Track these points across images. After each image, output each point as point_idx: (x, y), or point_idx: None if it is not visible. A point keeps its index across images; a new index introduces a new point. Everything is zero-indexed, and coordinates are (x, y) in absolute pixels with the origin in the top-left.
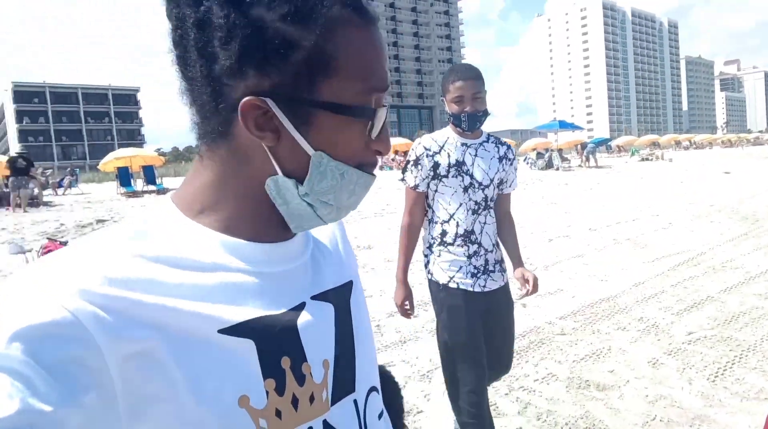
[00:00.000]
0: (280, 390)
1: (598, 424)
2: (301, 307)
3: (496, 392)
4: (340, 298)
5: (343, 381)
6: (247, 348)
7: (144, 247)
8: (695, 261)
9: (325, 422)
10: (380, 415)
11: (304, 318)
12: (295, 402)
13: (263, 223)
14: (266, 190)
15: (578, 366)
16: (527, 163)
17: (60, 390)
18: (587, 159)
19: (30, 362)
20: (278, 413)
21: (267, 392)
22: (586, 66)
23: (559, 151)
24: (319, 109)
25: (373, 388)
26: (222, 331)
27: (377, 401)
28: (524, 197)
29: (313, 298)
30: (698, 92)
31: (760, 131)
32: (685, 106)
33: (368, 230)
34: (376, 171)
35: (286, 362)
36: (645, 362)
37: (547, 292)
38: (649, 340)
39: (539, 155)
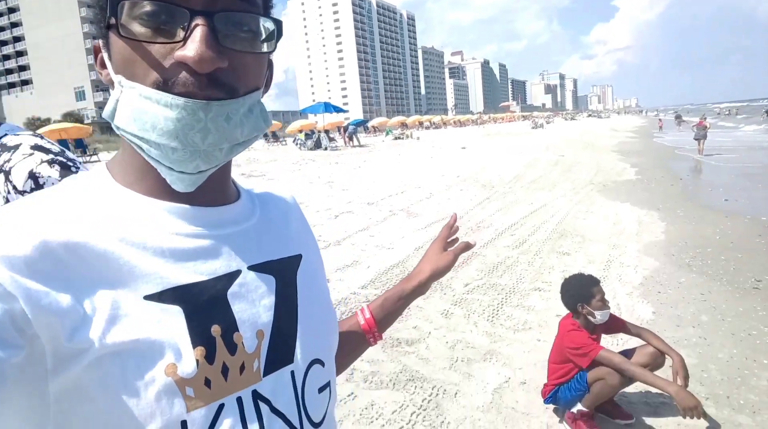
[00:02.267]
0: (209, 358)
1: (416, 375)
2: (235, 275)
3: None
4: (285, 269)
5: (280, 352)
6: (174, 315)
7: (72, 211)
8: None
9: (254, 392)
10: (322, 389)
11: (236, 287)
12: (225, 371)
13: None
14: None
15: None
16: (296, 144)
17: None
18: (350, 139)
19: None
20: (207, 382)
21: (197, 361)
22: (339, 51)
23: (326, 131)
24: (114, 29)
25: (315, 361)
26: (148, 298)
27: (319, 374)
28: (302, 178)
29: (251, 267)
30: (433, 79)
31: (480, 112)
32: (423, 91)
33: None
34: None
35: (216, 330)
36: (439, 315)
37: (345, 265)
38: (437, 295)
39: (307, 136)
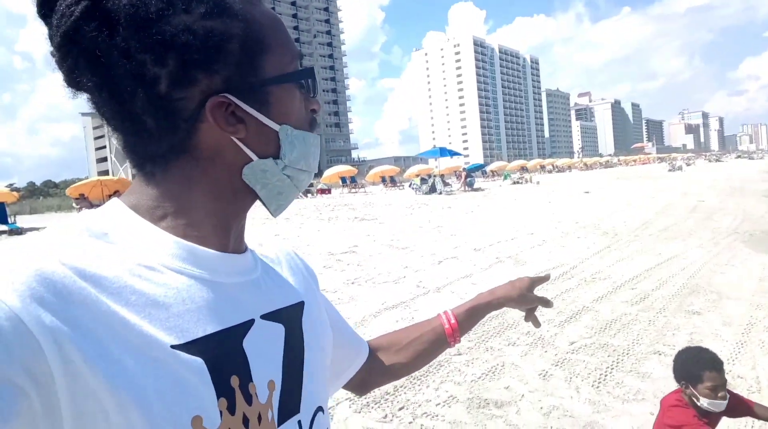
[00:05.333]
0: (231, 410)
1: None
2: (249, 324)
3: (400, 422)
4: (292, 317)
5: (288, 402)
6: (198, 365)
7: (105, 247)
8: (569, 274)
9: None
10: None
11: (251, 336)
12: (246, 422)
13: (223, 231)
14: (244, 179)
15: (476, 385)
16: (412, 189)
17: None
18: (466, 183)
19: None
20: None
21: (221, 412)
22: (461, 97)
23: (441, 176)
24: (269, 86)
25: (319, 409)
26: (175, 347)
27: (322, 421)
28: (412, 222)
29: (263, 316)
30: (557, 121)
31: (610, 155)
32: (547, 134)
33: None
34: None
35: (235, 381)
36: (536, 375)
37: None
38: (537, 353)
39: (423, 181)
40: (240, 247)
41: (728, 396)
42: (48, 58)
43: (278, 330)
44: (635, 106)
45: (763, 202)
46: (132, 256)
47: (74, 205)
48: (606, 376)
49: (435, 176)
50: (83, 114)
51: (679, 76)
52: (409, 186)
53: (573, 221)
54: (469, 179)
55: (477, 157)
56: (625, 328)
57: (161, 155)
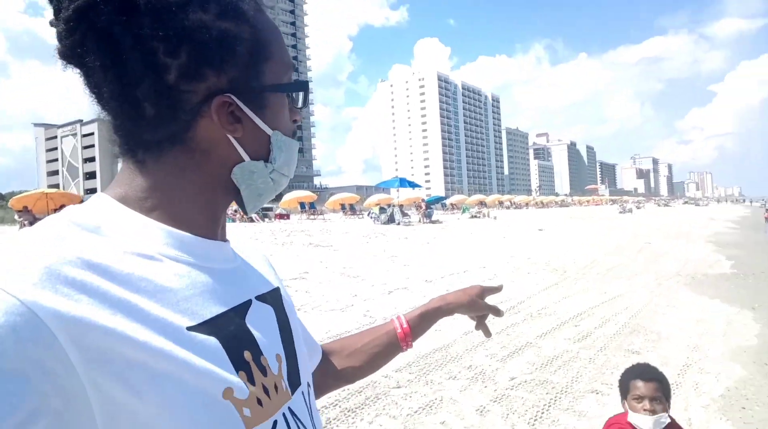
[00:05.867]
0: (251, 381)
1: None
2: (248, 304)
3: None
4: (275, 300)
5: (293, 374)
6: (213, 344)
7: (100, 239)
8: (516, 309)
9: (289, 409)
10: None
11: (251, 315)
12: (266, 391)
13: (212, 221)
14: (232, 178)
15: (411, 419)
16: (371, 218)
17: (14, 402)
18: (425, 215)
19: None
20: (259, 402)
21: (245, 384)
22: (424, 130)
23: (401, 206)
24: (267, 92)
25: (309, 383)
26: (190, 329)
27: (312, 393)
28: (367, 251)
29: (257, 297)
30: (516, 159)
31: (565, 194)
32: (506, 171)
33: None
34: None
35: (248, 355)
36: (473, 411)
37: None
38: (477, 387)
39: (382, 210)
40: (224, 237)
41: (662, 416)
42: None
43: (269, 310)
44: (590, 149)
45: (708, 246)
46: (129, 247)
47: (17, 217)
48: (543, 413)
49: (394, 206)
50: (36, 125)
51: (632, 122)
52: (368, 215)
53: (525, 257)
54: (428, 211)
55: (438, 189)
56: (565, 366)
57: (156, 143)
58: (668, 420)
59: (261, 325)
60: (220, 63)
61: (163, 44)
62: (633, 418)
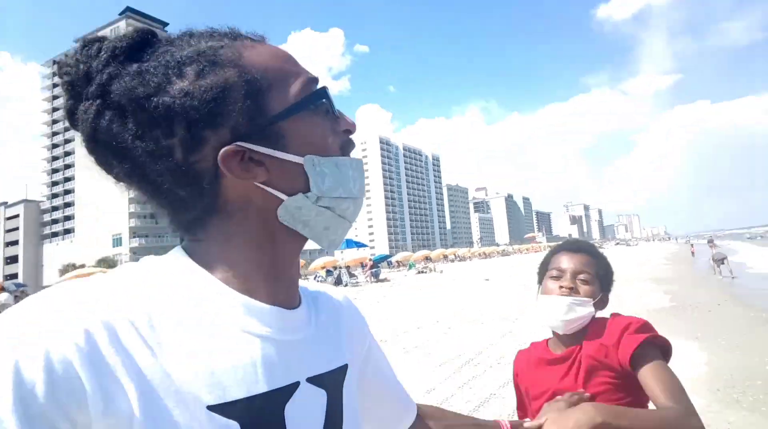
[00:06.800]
0: None
1: None
2: (294, 387)
3: None
4: (334, 382)
5: None
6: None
7: (157, 294)
8: (474, 361)
9: None
10: None
11: (294, 402)
12: None
13: (274, 282)
14: (282, 222)
15: None
16: (318, 281)
17: None
18: (372, 275)
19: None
20: None
21: None
22: (367, 191)
23: (347, 267)
24: (281, 121)
25: None
26: (211, 408)
27: None
28: None
29: (309, 380)
30: (458, 213)
31: (505, 244)
32: (448, 225)
33: None
34: None
35: None
36: None
37: None
38: None
39: (329, 273)
40: (293, 301)
41: (581, 300)
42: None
43: (321, 395)
44: (526, 200)
45: (645, 284)
46: (186, 305)
47: None
48: None
49: (341, 268)
50: None
51: (564, 173)
52: (314, 278)
53: (476, 308)
54: (374, 270)
55: (383, 248)
56: None
57: (198, 219)
58: (591, 310)
59: (302, 413)
60: (212, 119)
61: (158, 130)
62: (541, 304)
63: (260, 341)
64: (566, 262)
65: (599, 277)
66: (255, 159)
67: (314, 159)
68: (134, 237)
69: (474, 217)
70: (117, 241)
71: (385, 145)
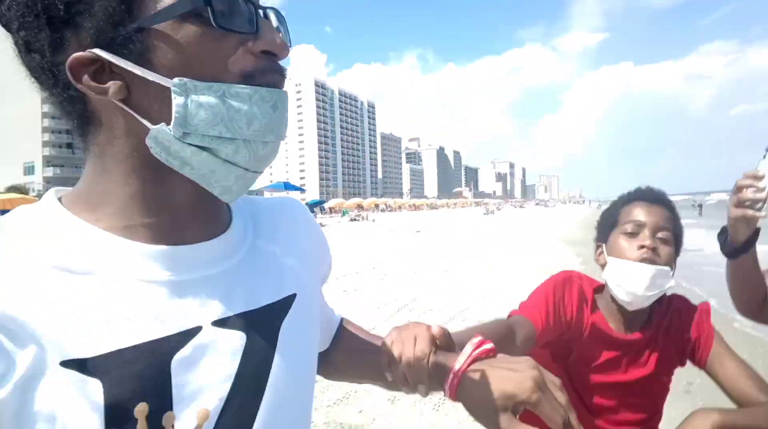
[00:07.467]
0: None
1: None
2: (191, 333)
3: None
4: (265, 321)
5: None
6: (91, 389)
7: (16, 246)
8: (409, 307)
9: None
10: None
11: (188, 350)
12: None
13: (173, 219)
14: (154, 155)
15: (332, 410)
16: None
17: None
18: None
19: None
20: None
21: None
22: (300, 134)
23: None
24: (151, 30)
25: None
26: (65, 364)
27: None
28: None
29: (216, 322)
30: (390, 163)
31: (434, 197)
32: (380, 175)
33: None
34: None
35: (141, 410)
36: (386, 400)
37: None
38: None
39: None
40: (202, 234)
41: (666, 270)
42: None
43: (236, 339)
44: (456, 153)
45: (558, 245)
46: (47, 257)
47: None
48: (445, 400)
49: None
50: None
51: (493, 128)
52: None
53: (408, 257)
54: None
55: (314, 193)
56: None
57: (77, 129)
58: (672, 284)
59: (200, 364)
60: (72, 18)
61: (32, 31)
62: (611, 270)
63: (137, 287)
64: (644, 214)
65: (677, 239)
66: (115, 72)
67: (188, 83)
68: (48, 166)
69: (405, 168)
70: (29, 170)
71: (321, 88)
